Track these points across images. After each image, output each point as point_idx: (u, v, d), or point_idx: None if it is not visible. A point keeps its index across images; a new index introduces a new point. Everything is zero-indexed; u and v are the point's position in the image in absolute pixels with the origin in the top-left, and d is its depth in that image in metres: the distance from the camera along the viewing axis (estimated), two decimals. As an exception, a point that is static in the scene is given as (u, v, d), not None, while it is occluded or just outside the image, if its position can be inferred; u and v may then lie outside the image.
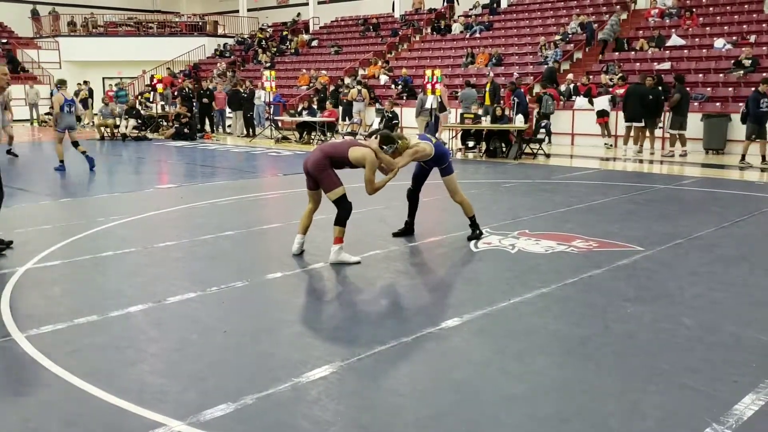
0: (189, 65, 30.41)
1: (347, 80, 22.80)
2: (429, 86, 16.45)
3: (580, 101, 17.26)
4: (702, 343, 4.12)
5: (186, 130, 19.64)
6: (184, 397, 3.39)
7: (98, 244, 6.62)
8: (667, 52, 18.54)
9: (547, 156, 14.53)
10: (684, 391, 3.45)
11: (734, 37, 18.19)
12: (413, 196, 6.99)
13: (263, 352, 3.99)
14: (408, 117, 19.08)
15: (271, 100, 20.48)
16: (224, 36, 33.64)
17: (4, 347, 4.06)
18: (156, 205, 8.94)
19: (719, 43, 17.91)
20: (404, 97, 20.77)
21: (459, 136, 16.06)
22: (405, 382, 3.64)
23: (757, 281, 5.40)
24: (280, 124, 19.97)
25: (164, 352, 4.02)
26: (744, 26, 18.81)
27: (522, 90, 16.05)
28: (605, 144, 16.43)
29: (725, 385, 3.51)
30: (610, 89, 16.87)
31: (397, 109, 18.97)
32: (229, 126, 21.99)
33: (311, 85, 23.75)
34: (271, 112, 20.40)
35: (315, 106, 19.29)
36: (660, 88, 14.67)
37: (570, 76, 18.71)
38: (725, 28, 19.04)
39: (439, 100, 16.40)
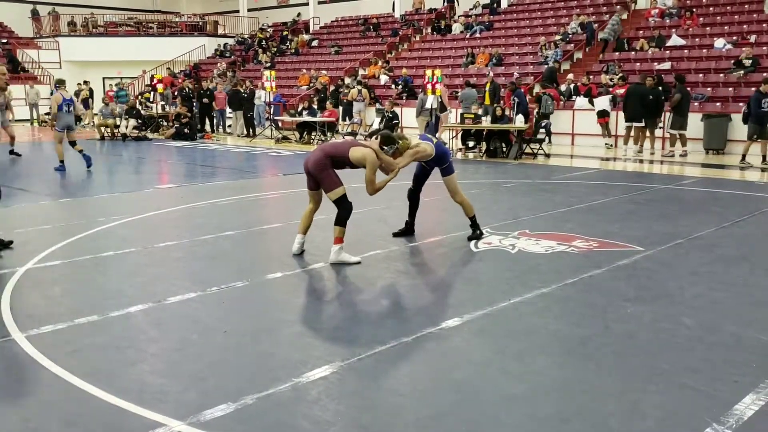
0: (189, 65, 30.41)
1: (347, 80, 22.80)
2: (429, 86, 16.44)
3: (581, 101, 17.26)
4: (702, 343, 4.12)
5: (186, 130, 19.63)
6: (185, 397, 3.39)
7: (98, 244, 6.62)
8: (668, 52, 18.54)
9: (548, 156, 14.53)
10: (684, 391, 3.45)
11: (734, 37, 18.19)
12: (413, 196, 6.99)
13: (263, 352, 3.99)
14: (408, 117, 19.08)
15: (272, 100, 20.47)
16: (224, 36, 33.64)
17: (4, 347, 4.06)
18: (156, 205, 8.94)
19: (719, 43, 17.91)
20: (404, 97, 20.77)
21: (459, 136, 16.07)
22: (405, 382, 3.64)
23: (757, 281, 5.40)
24: (280, 124, 19.97)
25: (164, 352, 4.02)
26: (744, 26, 18.80)
27: (522, 90, 16.05)
28: (606, 144, 16.43)
29: (725, 385, 3.51)
30: (611, 89, 16.87)
31: (397, 109, 18.97)
32: (229, 126, 21.99)
33: (311, 85, 23.75)
34: (272, 112, 20.39)
35: (315, 106, 19.29)
36: (660, 88, 14.66)
37: (570, 76, 18.71)
38: (725, 28, 19.04)
39: (440, 100, 16.40)
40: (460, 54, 23.01)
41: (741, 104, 14.83)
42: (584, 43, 20.91)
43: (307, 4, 31.56)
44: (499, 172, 12.24)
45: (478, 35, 23.98)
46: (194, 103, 21.36)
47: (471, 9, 26.63)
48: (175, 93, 22.53)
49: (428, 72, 16.61)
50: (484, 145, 14.85)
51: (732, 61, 16.90)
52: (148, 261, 6.13)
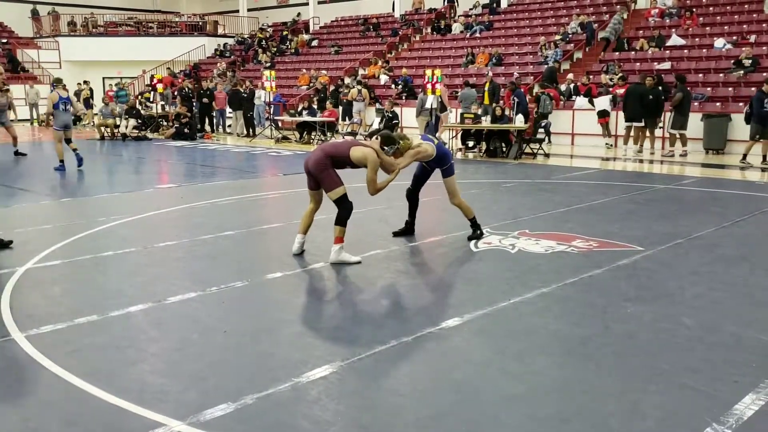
0: (189, 65, 30.40)
1: (347, 80, 22.80)
2: (429, 86, 16.45)
3: (580, 101, 17.26)
4: (702, 343, 4.12)
5: (186, 130, 19.63)
6: (185, 397, 3.39)
7: (98, 244, 6.62)
8: (667, 52, 18.54)
9: (547, 156, 14.53)
10: (684, 391, 3.45)
11: (734, 37, 18.19)
12: (412, 196, 6.99)
13: (263, 352, 3.99)
14: (408, 117, 19.08)
15: (271, 100, 20.48)
16: (224, 36, 33.63)
17: (3, 347, 4.06)
18: (156, 204, 8.94)
19: (719, 43, 17.91)
20: (404, 97, 20.77)
21: (459, 135, 16.07)
22: (405, 382, 3.64)
23: (757, 281, 5.40)
24: (280, 124, 19.97)
25: (164, 351, 4.02)
26: (744, 26, 18.81)
27: (522, 90, 16.06)
28: (606, 144, 16.44)
29: (725, 385, 3.51)
30: (611, 89, 16.88)
31: (397, 109, 18.97)
32: (229, 126, 21.99)
33: (311, 85, 23.75)
34: (271, 112, 20.39)
35: (315, 106, 19.30)
36: (660, 88, 14.67)
37: (570, 75, 18.71)
38: (725, 28, 19.04)
39: (440, 99, 16.40)
40: (460, 54, 23.01)
41: (741, 104, 14.85)
42: (584, 43, 20.92)
43: (307, 4, 31.56)
44: (499, 172, 12.24)
45: (478, 35, 23.99)
46: (194, 103, 21.35)
47: (471, 9, 26.63)
48: (175, 93, 22.51)
49: (428, 72, 16.62)
50: (483, 145, 14.86)
51: (732, 61, 16.90)
52: (148, 261, 6.13)
